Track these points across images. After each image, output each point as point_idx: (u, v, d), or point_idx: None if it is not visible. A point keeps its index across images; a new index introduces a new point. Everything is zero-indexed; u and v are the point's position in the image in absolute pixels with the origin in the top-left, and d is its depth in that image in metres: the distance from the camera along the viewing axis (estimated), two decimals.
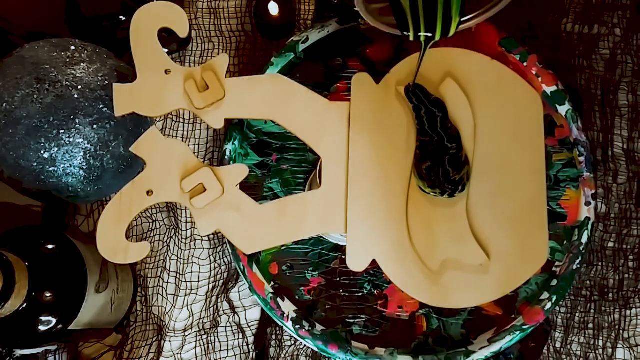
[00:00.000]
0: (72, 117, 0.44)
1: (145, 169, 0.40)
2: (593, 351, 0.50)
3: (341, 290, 0.47)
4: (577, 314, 0.50)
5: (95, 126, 0.44)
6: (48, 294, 0.42)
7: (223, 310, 0.52)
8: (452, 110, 0.42)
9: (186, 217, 0.52)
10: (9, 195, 0.50)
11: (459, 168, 0.40)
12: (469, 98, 0.43)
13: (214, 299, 0.52)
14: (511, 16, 0.53)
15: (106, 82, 0.45)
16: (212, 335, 0.52)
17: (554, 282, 0.44)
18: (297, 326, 0.45)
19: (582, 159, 0.46)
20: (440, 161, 0.40)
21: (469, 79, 0.42)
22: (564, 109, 0.46)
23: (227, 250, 0.52)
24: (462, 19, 0.38)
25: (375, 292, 0.47)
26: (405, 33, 0.38)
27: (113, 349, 0.52)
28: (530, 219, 0.42)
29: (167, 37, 0.47)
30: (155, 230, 0.54)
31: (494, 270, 0.41)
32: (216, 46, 0.55)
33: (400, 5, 0.36)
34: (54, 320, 0.42)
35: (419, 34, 0.38)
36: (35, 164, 0.44)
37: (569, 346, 0.50)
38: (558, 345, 0.50)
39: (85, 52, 0.46)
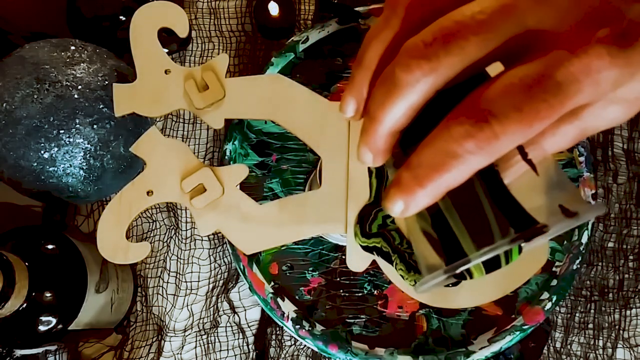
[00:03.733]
0: (72, 117, 0.44)
1: (145, 169, 0.40)
2: (593, 351, 0.50)
3: (341, 290, 0.47)
4: (577, 314, 0.50)
5: (95, 126, 0.44)
6: (48, 294, 0.42)
7: (223, 310, 0.52)
8: None
9: (186, 217, 0.52)
10: (9, 195, 0.50)
11: None
12: None
13: (214, 299, 0.52)
14: None
15: (106, 82, 0.45)
16: (212, 335, 0.52)
17: (554, 282, 0.44)
18: (297, 326, 0.45)
19: (582, 159, 0.46)
20: None
21: None
22: None
23: (227, 250, 0.52)
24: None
25: (375, 292, 0.47)
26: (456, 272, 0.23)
27: (113, 349, 0.52)
28: None
29: (167, 37, 0.47)
30: (155, 230, 0.54)
31: None
32: (216, 46, 0.55)
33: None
34: (54, 320, 0.42)
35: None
36: (35, 164, 0.44)
37: (569, 346, 0.50)
38: (558, 345, 0.50)
39: (85, 52, 0.46)
